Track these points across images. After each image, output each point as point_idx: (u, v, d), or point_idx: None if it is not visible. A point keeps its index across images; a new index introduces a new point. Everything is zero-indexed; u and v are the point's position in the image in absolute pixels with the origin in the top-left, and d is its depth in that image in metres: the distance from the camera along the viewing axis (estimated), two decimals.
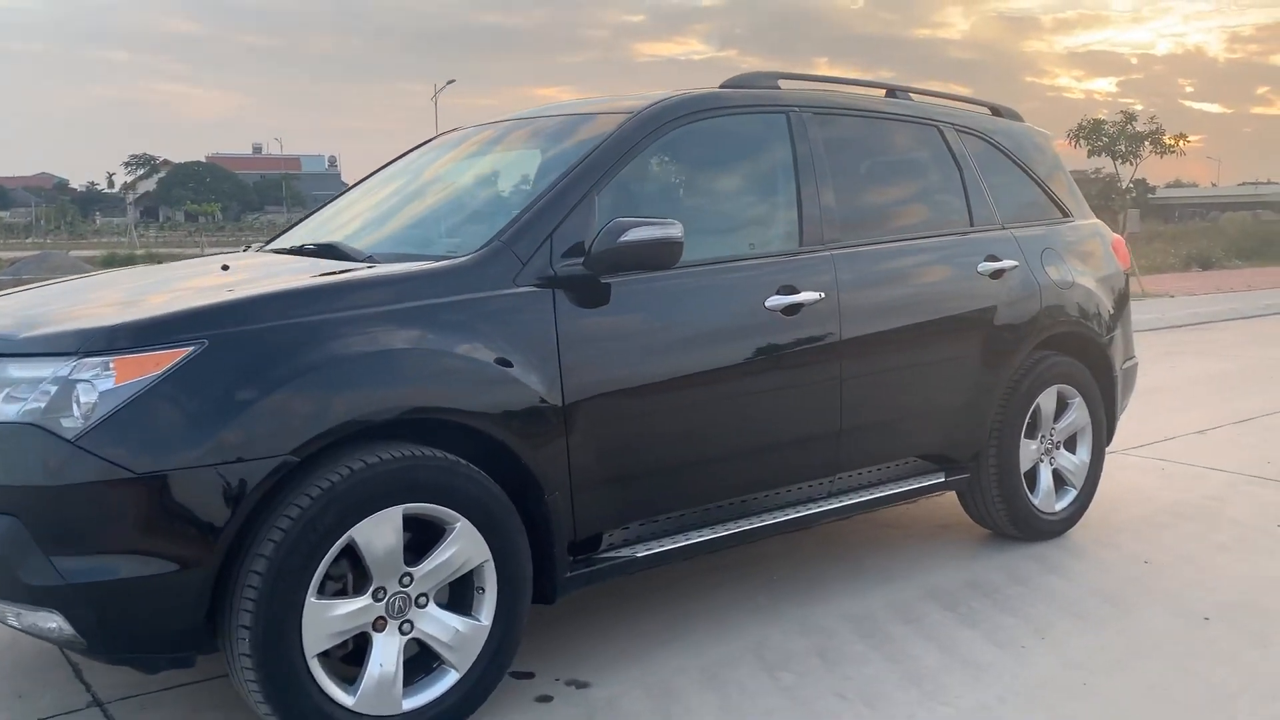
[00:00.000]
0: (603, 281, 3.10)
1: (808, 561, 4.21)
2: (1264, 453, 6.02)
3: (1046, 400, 4.36)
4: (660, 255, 3.06)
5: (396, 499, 2.65)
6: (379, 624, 2.70)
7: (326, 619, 2.59)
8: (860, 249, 3.79)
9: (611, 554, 3.17)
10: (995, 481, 4.24)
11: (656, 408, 3.22)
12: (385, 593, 2.69)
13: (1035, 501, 4.37)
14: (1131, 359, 4.90)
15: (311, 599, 2.55)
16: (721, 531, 3.43)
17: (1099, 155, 16.64)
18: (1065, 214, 4.69)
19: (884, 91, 4.32)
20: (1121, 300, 4.79)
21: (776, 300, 3.46)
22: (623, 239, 3.00)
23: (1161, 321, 13.03)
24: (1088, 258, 4.65)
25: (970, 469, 4.22)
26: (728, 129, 3.70)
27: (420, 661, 2.81)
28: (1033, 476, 4.41)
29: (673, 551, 3.30)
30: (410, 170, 4.17)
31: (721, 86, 3.82)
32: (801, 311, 3.52)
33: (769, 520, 3.55)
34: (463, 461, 2.77)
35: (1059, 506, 4.49)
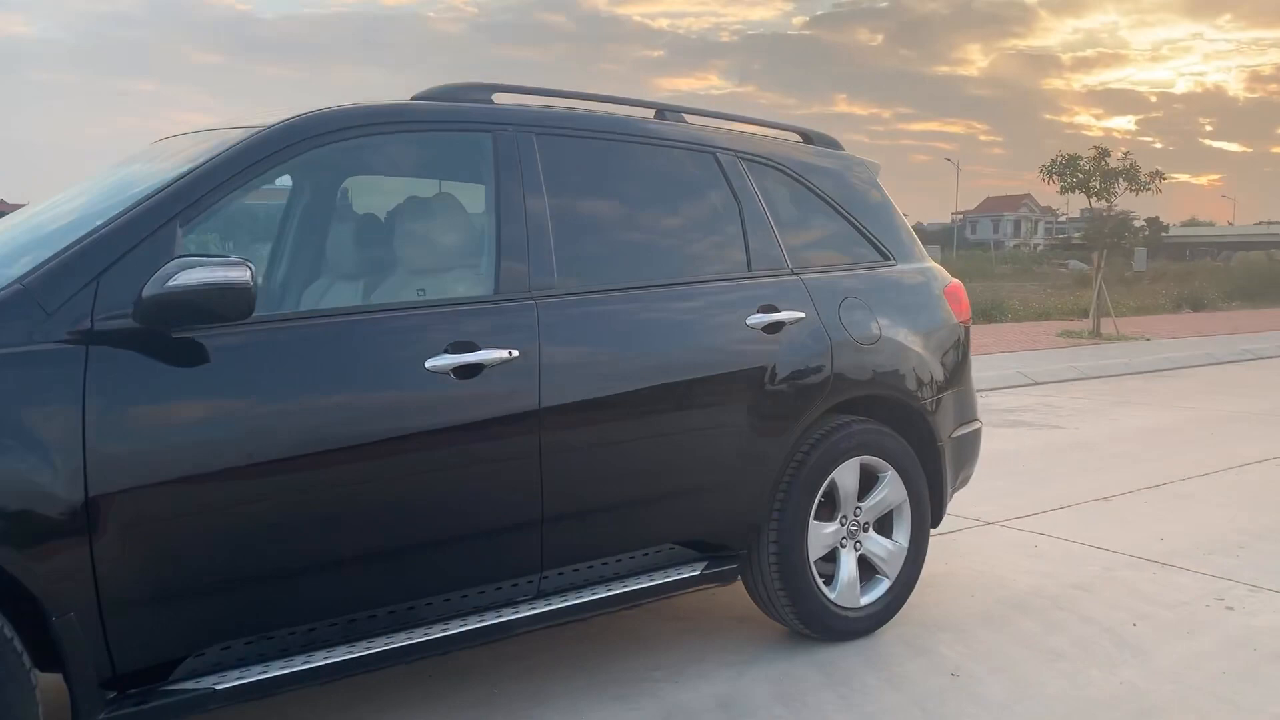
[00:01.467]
0: (172, 336, 2.46)
1: (540, 669, 3.53)
2: (1162, 527, 5.30)
3: (846, 475, 3.68)
4: (221, 304, 2.41)
5: None
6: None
7: None
8: (578, 298, 3.14)
9: (182, 686, 2.51)
10: (776, 572, 3.56)
11: (243, 497, 2.55)
12: None
13: (831, 595, 3.69)
14: (970, 424, 4.21)
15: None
16: (372, 649, 2.77)
17: (1071, 192, 15.88)
18: (885, 257, 4.03)
19: (654, 113, 3.68)
20: (955, 357, 4.11)
21: (444, 360, 2.81)
22: (171, 283, 2.36)
23: (1127, 368, 12.33)
24: (908, 308, 3.98)
25: (742, 557, 3.55)
26: (400, 150, 3.08)
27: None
28: (831, 564, 3.74)
29: (288, 677, 2.63)
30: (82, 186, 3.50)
31: (415, 98, 3.19)
32: (482, 373, 2.88)
33: (446, 631, 2.89)
34: None
35: (866, 600, 3.79)
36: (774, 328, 3.50)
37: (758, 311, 3.49)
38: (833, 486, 3.67)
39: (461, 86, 3.22)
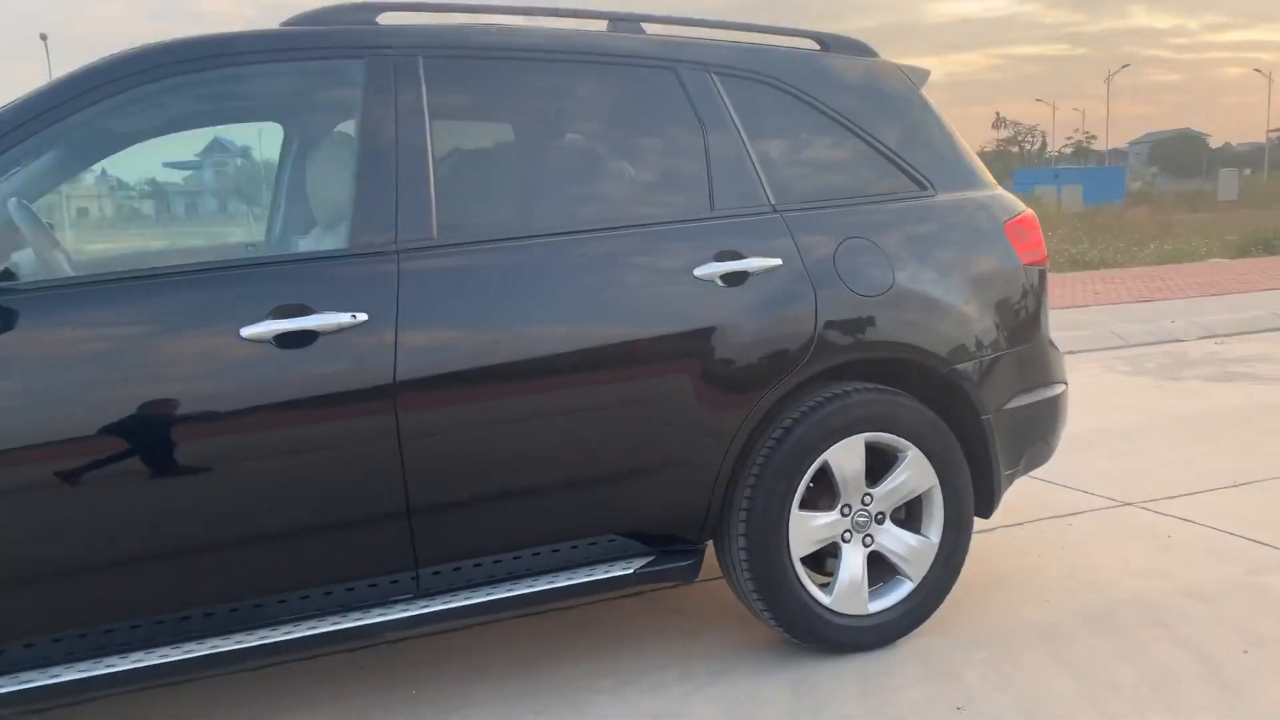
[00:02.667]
0: None
1: (484, 669, 3.12)
2: None
3: (844, 455, 3.01)
4: None
5: None
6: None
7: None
8: (459, 249, 2.66)
9: None
10: (747, 571, 2.97)
11: (36, 482, 2.29)
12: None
13: (825, 600, 3.05)
14: (1038, 391, 3.39)
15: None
16: (193, 652, 2.46)
17: None
18: (921, 186, 3.26)
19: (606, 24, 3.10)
20: (1017, 308, 3.31)
21: (264, 327, 2.42)
22: None
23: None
24: (945, 249, 3.21)
25: (699, 552, 2.99)
26: (244, 86, 2.68)
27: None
28: (833, 561, 3.11)
29: (98, 680, 2.36)
30: None
31: (284, 24, 2.77)
32: (317, 342, 2.47)
33: (294, 634, 2.53)
34: None
35: (878, 606, 3.12)
36: (734, 278, 2.88)
37: (713, 260, 2.87)
38: (826, 469, 3.02)
39: (338, 8, 2.77)
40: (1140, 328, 9.53)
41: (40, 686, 2.30)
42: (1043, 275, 3.41)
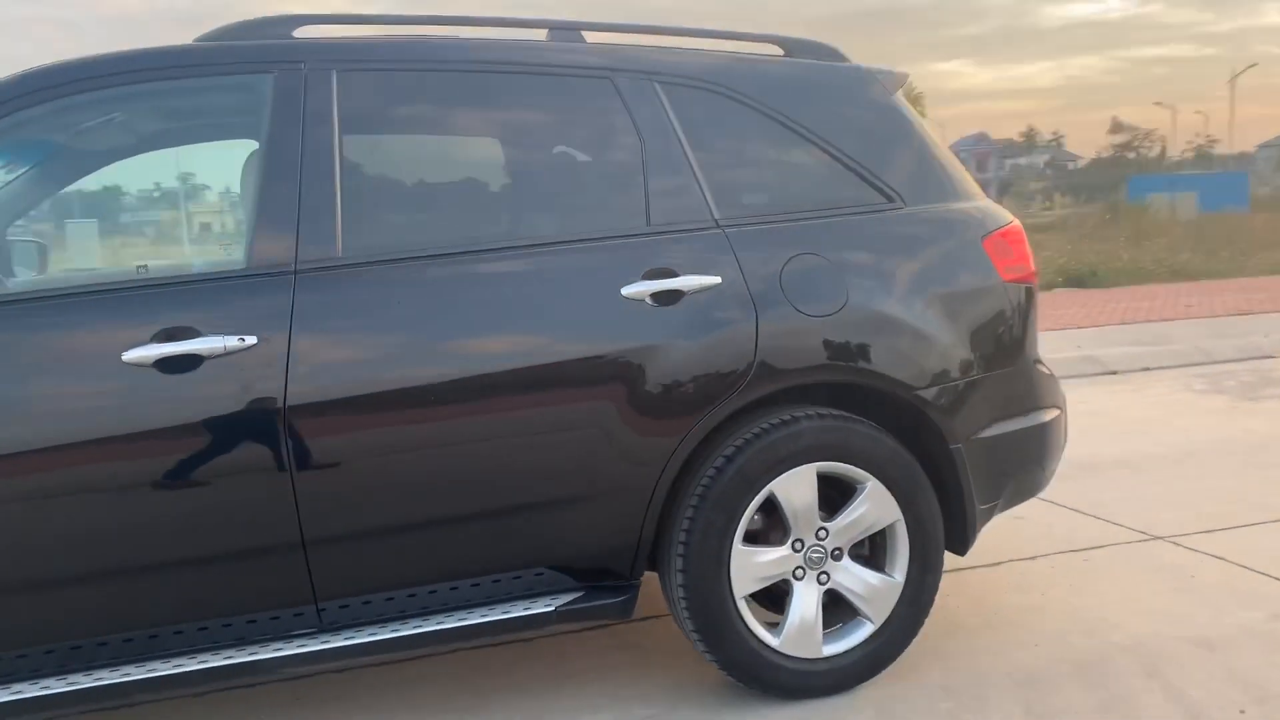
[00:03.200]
0: None
1: (391, 710, 3.00)
2: None
3: (794, 486, 2.81)
4: None
5: None
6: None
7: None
8: (362, 269, 2.55)
9: None
10: (685, 609, 2.79)
11: None
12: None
13: (773, 641, 2.85)
14: (1022, 418, 3.11)
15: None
16: (77, 684, 2.39)
17: None
18: (888, 198, 3.04)
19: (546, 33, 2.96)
20: (996, 327, 3.06)
21: (145, 352, 2.35)
22: None
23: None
24: (911, 265, 2.99)
25: (634, 588, 2.82)
26: (146, 106, 2.62)
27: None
28: (785, 600, 2.90)
29: None
30: None
31: (198, 39, 2.71)
32: (202, 366, 2.39)
33: (184, 668, 2.45)
34: None
35: (835, 649, 2.90)
36: (666, 297, 2.71)
37: (642, 278, 2.71)
38: (773, 501, 2.82)
39: (256, 22, 2.70)
40: (1228, 343, 8.98)
41: None
42: (1029, 293, 3.15)
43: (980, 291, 3.04)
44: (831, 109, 3.06)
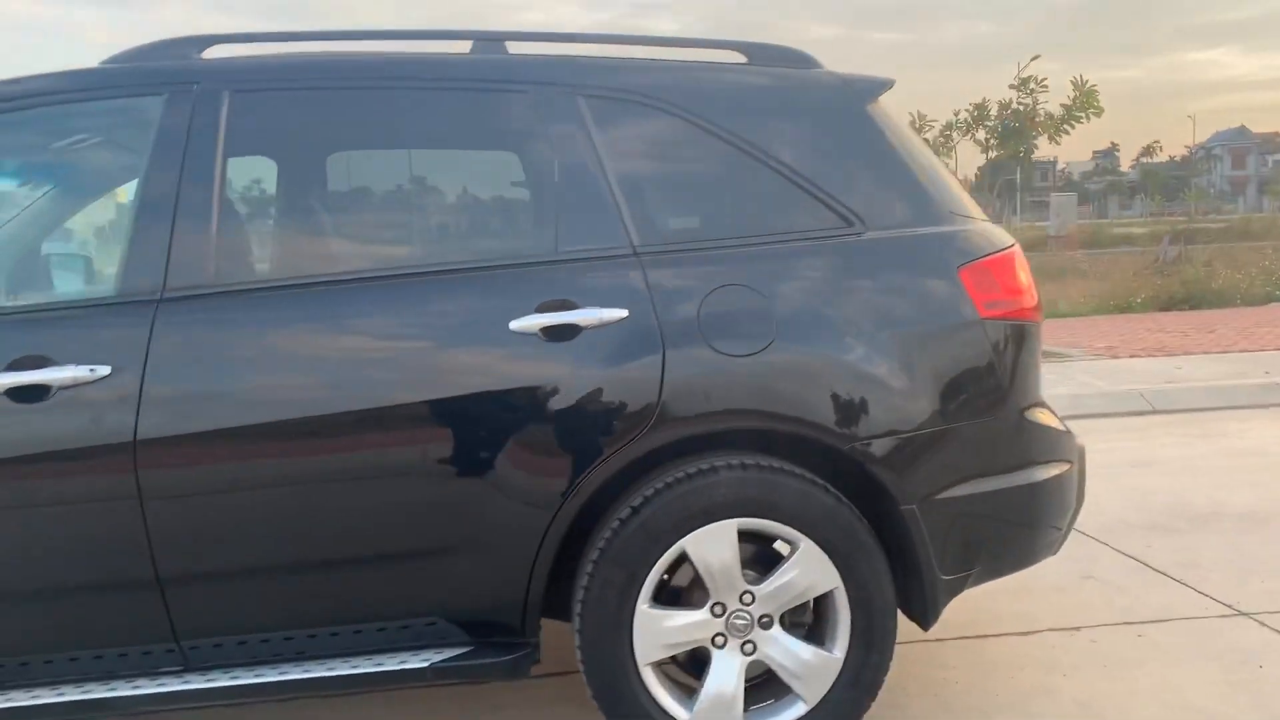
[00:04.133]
0: None
1: None
2: None
3: (709, 544, 2.51)
4: None
5: None
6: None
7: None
8: (227, 297, 2.44)
9: None
10: (584, 670, 2.56)
11: None
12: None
13: (683, 714, 2.56)
14: (1006, 474, 2.69)
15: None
16: None
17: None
18: (846, 221, 2.69)
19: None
20: (963, 372, 2.65)
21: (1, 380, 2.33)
22: None
23: None
24: (855, 297, 2.63)
25: (527, 647, 2.59)
26: (22, 133, 2.60)
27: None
28: (704, 667, 2.61)
29: None
30: None
31: (104, 62, 2.67)
32: (51, 396, 2.34)
33: (41, 699, 2.41)
34: None
35: None
36: (560, 332, 2.47)
37: (534, 311, 2.48)
38: (686, 560, 2.54)
39: (162, 43, 2.65)
40: None
41: None
42: (1020, 331, 2.72)
43: (948, 329, 2.65)
44: (785, 121, 2.74)
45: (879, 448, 2.55)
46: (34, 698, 2.41)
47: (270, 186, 2.63)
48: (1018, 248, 2.83)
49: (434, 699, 3.05)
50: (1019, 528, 2.75)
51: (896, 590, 2.65)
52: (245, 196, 2.59)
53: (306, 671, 2.49)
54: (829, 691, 2.59)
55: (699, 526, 2.51)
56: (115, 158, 2.74)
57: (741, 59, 2.85)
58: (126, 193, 2.59)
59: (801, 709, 2.59)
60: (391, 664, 2.51)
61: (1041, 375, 2.86)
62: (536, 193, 2.63)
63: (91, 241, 2.85)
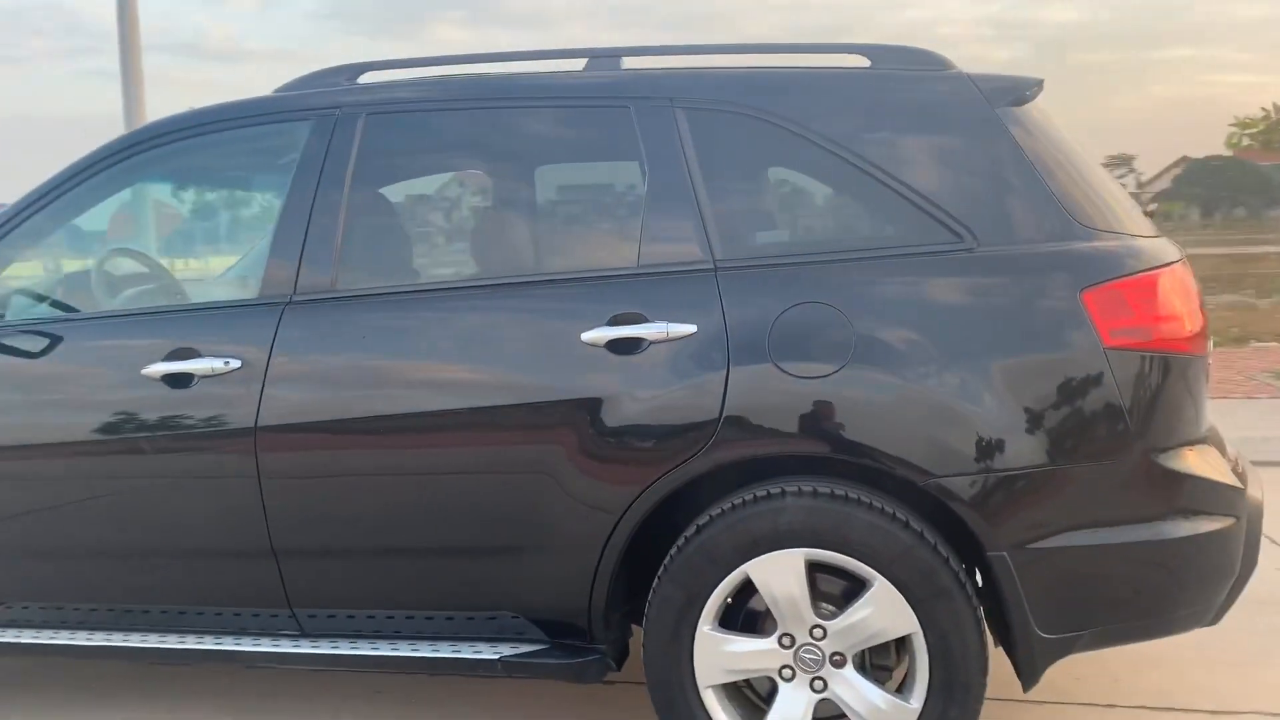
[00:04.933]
0: None
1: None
2: None
3: (774, 572, 2.42)
4: None
5: None
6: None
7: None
8: (343, 302, 2.68)
9: None
10: (650, 689, 2.56)
11: None
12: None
13: None
14: (1131, 526, 2.34)
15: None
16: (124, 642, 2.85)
17: None
18: (956, 236, 2.46)
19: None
20: (1078, 407, 2.34)
21: (157, 368, 2.71)
22: None
23: None
24: (952, 319, 2.40)
25: (596, 653, 2.63)
26: (214, 154, 2.97)
27: None
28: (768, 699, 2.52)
29: None
30: None
31: (276, 90, 3.00)
32: (195, 384, 2.69)
33: (184, 645, 2.80)
34: None
35: None
36: (624, 345, 2.48)
37: (606, 323, 2.51)
38: (751, 587, 2.47)
39: (326, 71, 2.95)
40: None
41: None
42: (1163, 363, 2.37)
43: (1060, 358, 2.36)
44: (892, 129, 2.56)
45: (961, 486, 2.32)
46: (181, 642, 2.80)
47: (382, 205, 2.85)
48: (1178, 268, 2.45)
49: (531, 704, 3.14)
50: (1147, 589, 2.39)
51: (1002, 643, 2.40)
52: (368, 211, 2.82)
53: (394, 650, 2.68)
54: None
55: (762, 553, 2.42)
56: (273, 178, 3.08)
57: (865, 63, 2.70)
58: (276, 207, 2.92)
59: None
60: (467, 651, 2.64)
61: (1203, 414, 2.46)
62: (629, 205, 2.65)
63: (249, 251, 3.23)
